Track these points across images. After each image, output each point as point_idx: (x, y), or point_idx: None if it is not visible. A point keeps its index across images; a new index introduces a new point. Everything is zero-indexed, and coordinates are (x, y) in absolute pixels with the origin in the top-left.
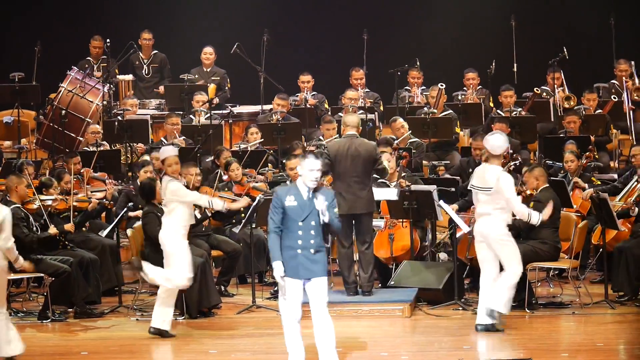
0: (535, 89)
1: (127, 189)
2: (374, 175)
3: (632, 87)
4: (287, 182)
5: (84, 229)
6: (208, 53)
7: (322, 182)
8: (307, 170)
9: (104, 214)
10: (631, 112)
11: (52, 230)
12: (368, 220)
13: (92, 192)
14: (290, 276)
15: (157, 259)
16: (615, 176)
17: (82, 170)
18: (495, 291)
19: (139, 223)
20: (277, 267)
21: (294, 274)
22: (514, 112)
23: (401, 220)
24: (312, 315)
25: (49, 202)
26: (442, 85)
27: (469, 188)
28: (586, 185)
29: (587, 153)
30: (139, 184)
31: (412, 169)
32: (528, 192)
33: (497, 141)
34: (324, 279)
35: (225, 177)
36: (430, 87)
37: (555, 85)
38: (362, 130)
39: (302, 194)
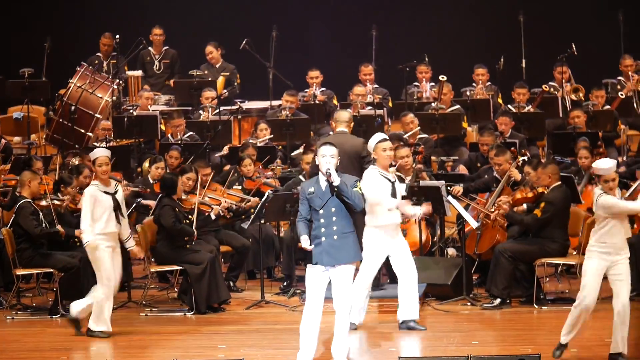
0: (543, 86)
1: (143, 192)
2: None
3: (635, 79)
4: (300, 177)
5: None
6: (209, 52)
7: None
8: (320, 156)
9: None
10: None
11: (60, 228)
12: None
13: None
14: (314, 263)
15: (170, 251)
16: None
17: None
18: None
19: (148, 218)
20: (304, 240)
21: (318, 260)
22: (524, 109)
23: None
24: (333, 302)
25: (58, 202)
26: (443, 78)
27: None
28: None
29: (600, 149)
30: (150, 180)
31: (423, 164)
32: (539, 189)
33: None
34: (349, 267)
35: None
36: (438, 83)
37: (563, 80)
38: (371, 126)
39: (321, 184)
